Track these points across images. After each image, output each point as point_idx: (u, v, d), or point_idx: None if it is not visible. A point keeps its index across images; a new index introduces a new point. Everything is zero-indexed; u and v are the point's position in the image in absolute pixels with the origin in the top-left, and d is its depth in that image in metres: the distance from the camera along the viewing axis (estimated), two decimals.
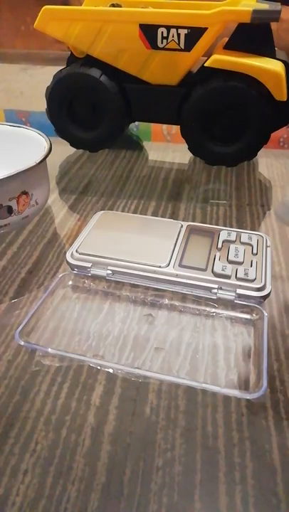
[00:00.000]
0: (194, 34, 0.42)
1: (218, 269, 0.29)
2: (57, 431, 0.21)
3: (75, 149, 0.53)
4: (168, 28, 0.43)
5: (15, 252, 0.34)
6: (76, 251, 0.31)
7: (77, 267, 0.30)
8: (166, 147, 0.55)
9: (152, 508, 0.18)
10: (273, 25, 0.42)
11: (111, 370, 0.24)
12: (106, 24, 0.44)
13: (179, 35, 0.43)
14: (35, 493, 0.19)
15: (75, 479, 0.19)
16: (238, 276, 0.28)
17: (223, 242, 0.32)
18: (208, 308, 0.28)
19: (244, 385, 0.23)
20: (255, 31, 0.42)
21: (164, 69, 0.45)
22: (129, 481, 0.19)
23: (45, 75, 0.65)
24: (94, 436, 0.21)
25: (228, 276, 0.29)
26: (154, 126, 0.63)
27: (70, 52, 0.49)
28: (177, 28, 0.42)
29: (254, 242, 0.32)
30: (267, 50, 0.43)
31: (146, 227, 0.34)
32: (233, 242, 0.32)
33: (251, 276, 0.28)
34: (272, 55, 0.43)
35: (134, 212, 0.40)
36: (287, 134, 0.59)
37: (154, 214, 0.40)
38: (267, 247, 0.32)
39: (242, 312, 0.28)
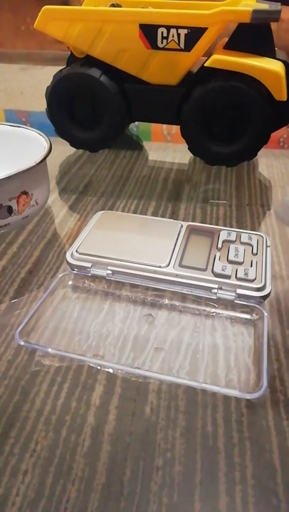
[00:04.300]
0: (194, 34, 0.42)
1: (218, 269, 0.29)
2: (57, 431, 0.21)
3: (75, 149, 0.53)
4: (168, 28, 0.43)
5: (15, 252, 0.34)
6: (76, 251, 0.31)
7: (77, 267, 0.30)
8: (166, 147, 0.55)
9: (152, 508, 0.18)
10: (273, 25, 0.42)
11: (111, 370, 0.24)
12: (106, 24, 0.44)
13: (179, 35, 0.43)
14: (35, 493, 0.19)
15: (75, 479, 0.19)
16: (238, 276, 0.28)
17: (223, 242, 0.32)
18: (208, 308, 0.28)
19: (244, 385, 0.23)
20: (255, 31, 0.42)
21: (164, 69, 0.45)
22: (129, 481, 0.19)
23: (45, 75, 0.65)
24: (94, 436, 0.21)
25: (228, 276, 0.29)
26: (154, 126, 0.63)
27: (70, 52, 0.49)
28: (177, 28, 0.42)
29: (254, 242, 0.32)
30: (267, 50, 0.43)
31: (146, 227, 0.34)
32: (233, 242, 0.32)
33: (251, 276, 0.28)
34: (272, 55, 0.43)
35: (134, 212, 0.40)
36: (287, 134, 0.59)
37: (154, 214, 0.40)
38: (267, 247, 0.32)
39: (242, 312, 0.28)
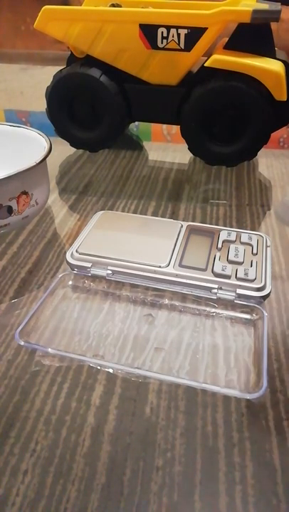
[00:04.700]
0: (194, 34, 0.42)
1: (218, 269, 0.29)
2: (57, 431, 0.21)
3: (75, 149, 0.53)
4: (168, 28, 0.43)
5: (15, 252, 0.34)
6: (76, 251, 0.31)
7: (77, 267, 0.30)
8: (166, 147, 0.55)
9: (152, 508, 0.18)
10: (273, 25, 0.42)
11: (111, 370, 0.24)
12: (106, 24, 0.44)
13: (179, 35, 0.43)
14: (35, 493, 0.19)
15: (75, 479, 0.19)
16: (238, 276, 0.28)
17: (223, 242, 0.32)
18: (208, 308, 0.28)
19: (244, 385, 0.23)
20: (255, 31, 0.42)
21: (164, 69, 0.45)
22: (129, 481, 0.19)
23: (45, 75, 0.65)
24: (94, 436, 0.21)
25: (228, 276, 0.29)
26: (154, 126, 0.63)
27: (70, 52, 0.49)
28: (177, 28, 0.42)
29: (254, 242, 0.32)
30: (267, 50, 0.43)
31: (146, 227, 0.34)
32: (233, 242, 0.32)
33: (251, 276, 0.28)
34: (272, 55, 0.43)
35: (134, 212, 0.40)
36: (287, 134, 0.59)
37: (154, 214, 0.40)
38: (267, 247, 0.32)
39: (242, 312, 0.28)
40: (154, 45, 0.44)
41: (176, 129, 0.59)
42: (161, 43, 0.44)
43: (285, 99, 0.42)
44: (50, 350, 0.25)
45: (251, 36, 0.42)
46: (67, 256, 0.31)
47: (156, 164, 0.50)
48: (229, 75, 0.42)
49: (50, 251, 0.34)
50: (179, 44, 0.43)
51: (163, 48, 0.44)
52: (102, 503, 0.18)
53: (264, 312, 0.27)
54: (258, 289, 0.28)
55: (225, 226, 0.38)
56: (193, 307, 0.28)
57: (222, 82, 0.42)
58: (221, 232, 0.33)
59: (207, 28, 0.42)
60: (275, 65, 0.41)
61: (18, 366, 0.24)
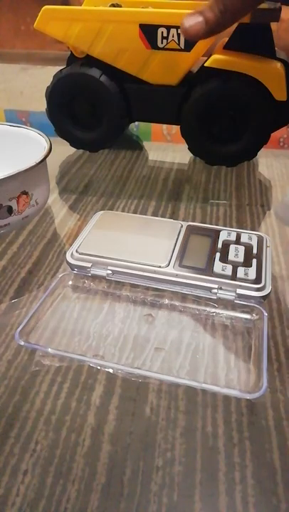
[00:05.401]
0: None
1: (218, 269, 0.29)
2: (57, 431, 0.21)
3: (75, 149, 0.53)
4: (168, 28, 0.43)
5: (15, 252, 0.34)
6: (76, 251, 0.31)
7: (77, 266, 0.30)
8: (166, 147, 0.55)
9: (152, 508, 0.18)
10: (273, 25, 0.42)
11: (111, 370, 0.24)
12: (106, 24, 0.44)
13: (179, 35, 0.43)
14: (35, 493, 0.19)
15: (75, 479, 0.19)
16: (238, 276, 0.28)
17: (223, 242, 0.32)
18: (208, 308, 0.28)
19: (244, 385, 0.23)
20: (255, 31, 0.42)
21: (164, 69, 0.45)
22: (129, 481, 0.19)
23: (45, 75, 0.64)
24: (94, 436, 0.21)
25: (228, 277, 0.29)
26: (154, 126, 0.63)
27: (70, 52, 0.49)
28: (177, 28, 0.42)
29: (254, 242, 0.32)
30: (267, 50, 0.43)
31: (146, 227, 0.34)
32: (233, 242, 0.32)
33: (251, 277, 0.28)
34: (272, 55, 0.43)
35: (134, 212, 0.40)
36: (287, 134, 0.59)
37: (154, 214, 0.40)
38: (267, 247, 0.32)
39: (242, 312, 0.28)
40: (154, 45, 0.44)
41: (176, 129, 0.59)
42: (161, 43, 0.44)
43: (285, 99, 0.42)
44: (50, 350, 0.25)
45: (251, 36, 0.42)
46: (67, 256, 0.31)
47: (156, 164, 0.50)
48: (229, 74, 0.42)
49: (50, 251, 0.34)
50: (178, 44, 0.43)
51: (163, 48, 0.44)
52: (102, 503, 0.18)
53: (264, 312, 0.27)
54: (258, 289, 0.28)
55: (225, 226, 0.38)
56: (193, 307, 0.28)
57: (222, 82, 0.42)
58: (221, 232, 0.33)
59: None
60: (275, 65, 0.41)
61: (18, 366, 0.24)
